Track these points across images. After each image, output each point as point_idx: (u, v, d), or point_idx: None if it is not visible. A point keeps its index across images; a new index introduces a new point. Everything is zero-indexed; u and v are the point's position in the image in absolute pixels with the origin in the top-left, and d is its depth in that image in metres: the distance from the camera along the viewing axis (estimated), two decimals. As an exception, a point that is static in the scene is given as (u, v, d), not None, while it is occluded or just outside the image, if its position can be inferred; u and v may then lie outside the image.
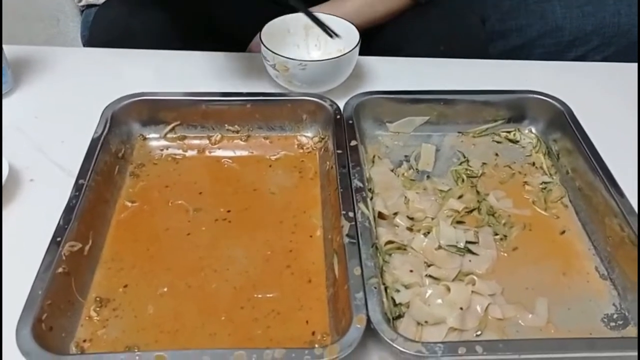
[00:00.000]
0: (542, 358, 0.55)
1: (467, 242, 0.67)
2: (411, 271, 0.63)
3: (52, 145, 0.78)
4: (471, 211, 0.72)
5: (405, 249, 0.66)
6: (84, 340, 0.57)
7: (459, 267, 0.65)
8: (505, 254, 0.68)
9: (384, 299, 0.59)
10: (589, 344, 0.55)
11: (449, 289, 0.61)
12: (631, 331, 0.60)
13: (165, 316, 0.59)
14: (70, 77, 0.91)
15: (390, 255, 0.65)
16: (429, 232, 0.68)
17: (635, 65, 0.97)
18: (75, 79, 0.91)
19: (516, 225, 0.70)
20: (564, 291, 0.64)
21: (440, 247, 0.66)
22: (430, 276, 0.64)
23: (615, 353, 0.55)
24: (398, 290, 0.61)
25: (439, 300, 0.61)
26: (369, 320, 0.54)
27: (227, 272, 0.64)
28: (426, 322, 0.59)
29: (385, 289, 0.61)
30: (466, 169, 0.77)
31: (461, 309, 0.60)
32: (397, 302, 0.60)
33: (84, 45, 1.13)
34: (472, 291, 0.62)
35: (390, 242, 0.66)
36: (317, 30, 0.85)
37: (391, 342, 0.53)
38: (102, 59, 0.96)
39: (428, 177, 0.77)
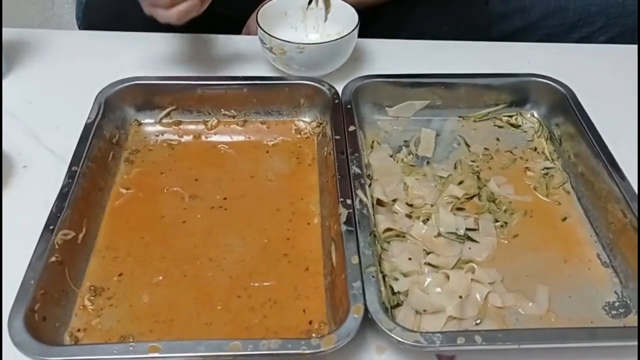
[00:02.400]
0: (542, 348, 0.55)
1: (467, 229, 0.66)
2: (410, 259, 0.63)
3: (46, 130, 0.77)
4: (471, 197, 0.71)
5: (404, 237, 0.65)
6: (78, 330, 0.56)
7: (458, 255, 0.64)
8: (506, 241, 0.66)
9: (382, 288, 0.58)
10: (590, 334, 0.54)
11: (448, 277, 0.61)
12: (633, 319, 0.59)
13: (160, 305, 0.59)
14: (65, 61, 0.90)
15: (388, 243, 0.64)
16: (428, 219, 0.67)
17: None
18: (70, 63, 0.89)
19: (517, 212, 0.69)
20: (565, 279, 0.63)
21: (439, 234, 0.66)
22: (429, 264, 0.63)
23: (617, 343, 0.54)
24: (396, 279, 0.61)
25: (438, 289, 0.60)
26: (366, 310, 0.54)
27: (223, 261, 0.63)
28: (425, 310, 0.58)
29: (384, 277, 0.60)
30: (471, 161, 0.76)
31: (460, 297, 0.59)
32: (396, 290, 0.60)
33: (79, 28, 1.11)
34: (472, 279, 0.61)
35: (388, 229, 0.65)
36: (315, 12, 0.83)
37: (389, 332, 0.52)
38: (97, 42, 0.94)
39: (428, 162, 0.76)
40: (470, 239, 0.66)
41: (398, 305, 0.59)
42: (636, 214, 0.63)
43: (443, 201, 0.69)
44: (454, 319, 0.58)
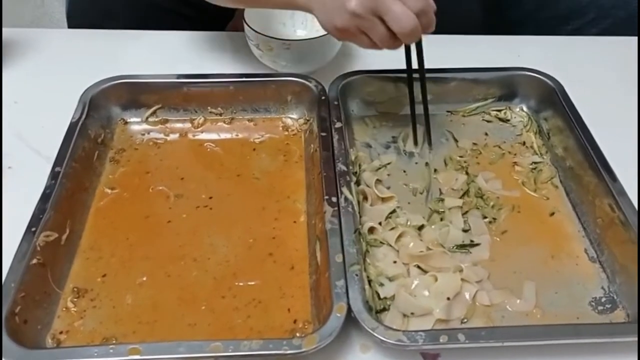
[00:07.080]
0: (527, 345, 0.54)
1: (467, 238, 0.65)
2: (395, 262, 0.62)
3: (32, 131, 0.76)
4: (462, 196, 0.70)
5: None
6: (61, 332, 0.56)
7: (457, 263, 0.62)
8: (497, 238, 0.66)
9: (366, 286, 0.57)
10: (575, 330, 0.54)
11: (436, 279, 0.60)
12: (619, 315, 0.59)
13: (144, 306, 0.58)
14: (52, 60, 0.89)
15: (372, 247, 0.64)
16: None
17: (633, 39, 0.94)
18: (57, 62, 0.89)
19: (505, 207, 0.69)
20: (552, 275, 0.63)
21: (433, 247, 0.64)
22: (417, 266, 0.62)
23: (601, 339, 0.54)
24: (382, 284, 0.60)
25: (426, 292, 0.59)
26: (350, 309, 0.53)
27: (207, 261, 0.62)
28: (412, 314, 0.57)
29: (369, 282, 0.59)
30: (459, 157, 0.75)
31: (448, 299, 0.58)
32: (382, 296, 0.59)
33: (69, 26, 1.11)
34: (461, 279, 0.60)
35: (373, 229, 0.64)
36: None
37: (372, 332, 0.52)
38: (85, 40, 0.93)
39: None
40: (473, 244, 0.64)
41: (385, 309, 0.58)
42: (623, 208, 0.62)
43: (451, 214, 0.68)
44: (442, 321, 0.57)
